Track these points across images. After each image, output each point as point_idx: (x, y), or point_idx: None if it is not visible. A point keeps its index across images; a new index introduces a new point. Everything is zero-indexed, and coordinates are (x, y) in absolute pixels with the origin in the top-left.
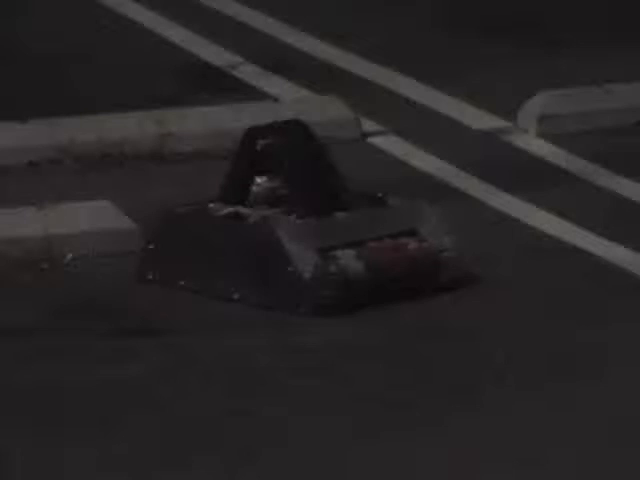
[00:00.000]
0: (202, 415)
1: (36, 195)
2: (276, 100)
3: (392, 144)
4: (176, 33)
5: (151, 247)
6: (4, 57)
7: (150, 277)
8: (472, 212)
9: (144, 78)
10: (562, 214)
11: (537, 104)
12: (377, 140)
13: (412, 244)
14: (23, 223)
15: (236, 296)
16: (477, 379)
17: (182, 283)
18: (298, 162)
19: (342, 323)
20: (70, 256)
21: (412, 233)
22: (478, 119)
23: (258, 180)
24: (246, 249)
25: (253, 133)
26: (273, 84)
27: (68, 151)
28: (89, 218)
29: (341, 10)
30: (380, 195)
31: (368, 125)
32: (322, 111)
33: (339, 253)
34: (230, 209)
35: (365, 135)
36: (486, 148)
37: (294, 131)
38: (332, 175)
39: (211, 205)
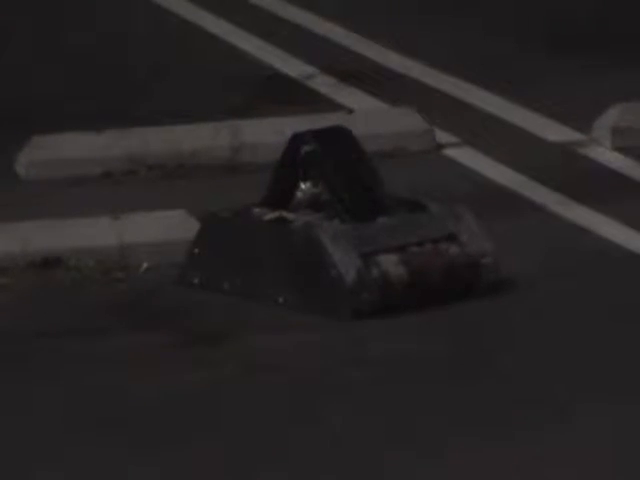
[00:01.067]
0: (266, 426)
1: (111, 205)
2: (351, 111)
3: (466, 155)
4: (250, 43)
5: (196, 251)
6: (77, 67)
7: (196, 282)
8: (545, 224)
9: (217, 88)
10: (638, 227)
11: (612, 116)
12: (451, 151)
13: (452, 249)
14: (98, 233)
15: (280, 300)
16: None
17: (226, 287)
18: (341, 168)
19: (401, 330)
20: (145, 265)
21: (452, 238)
22: (552, 131)
23: (302, 186)
24: (290, 253)
25: (297, 139)
26: (348, 95)
27: (142, 161)
28: (165, 227)
29: (413, 21)
30: (420, 200)
31: (442, 136)
32: (396, 122)
33: (381, 258)
34: (274, 213)
35: (440, 146)
36: (560, 160)
37: (337, 137)
38: (374, 181)
39: (255, 209)
